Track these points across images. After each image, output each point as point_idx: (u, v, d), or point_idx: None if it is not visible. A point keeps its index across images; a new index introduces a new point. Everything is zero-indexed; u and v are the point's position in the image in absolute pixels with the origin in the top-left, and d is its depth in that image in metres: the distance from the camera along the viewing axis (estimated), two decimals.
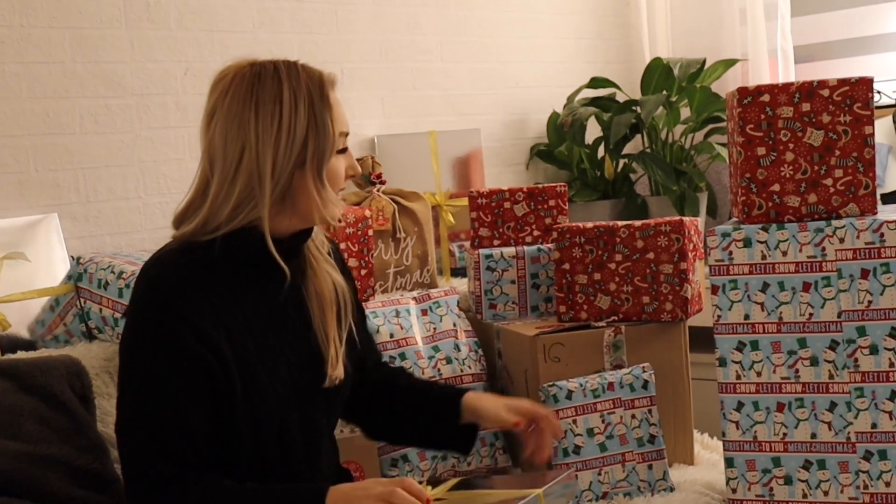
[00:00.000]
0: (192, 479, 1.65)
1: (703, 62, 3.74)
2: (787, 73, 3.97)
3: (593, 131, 3.83)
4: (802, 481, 2.14)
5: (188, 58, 2.90)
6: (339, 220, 1.84)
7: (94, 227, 2.71)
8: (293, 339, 1.81)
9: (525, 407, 1.96)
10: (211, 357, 1.67)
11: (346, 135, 1.79)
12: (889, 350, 2.07)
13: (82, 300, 2.38)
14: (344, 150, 1.79)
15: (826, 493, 2.13)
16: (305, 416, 1.80)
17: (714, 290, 2.17)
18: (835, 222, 2.09)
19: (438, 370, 2.56)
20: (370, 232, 2.74)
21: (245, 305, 1.75)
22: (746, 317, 2.15)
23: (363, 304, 2.55)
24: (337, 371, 1.83)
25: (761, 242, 2.13)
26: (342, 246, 2.63)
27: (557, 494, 1.72)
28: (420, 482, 1.72)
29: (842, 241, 2.08)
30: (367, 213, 2.78)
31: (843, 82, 2.10)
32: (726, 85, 3.84)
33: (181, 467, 1.65)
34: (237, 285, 1.75)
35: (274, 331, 1.78)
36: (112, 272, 2.35)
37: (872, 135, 2.11)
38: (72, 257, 2.48)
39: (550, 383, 2.37)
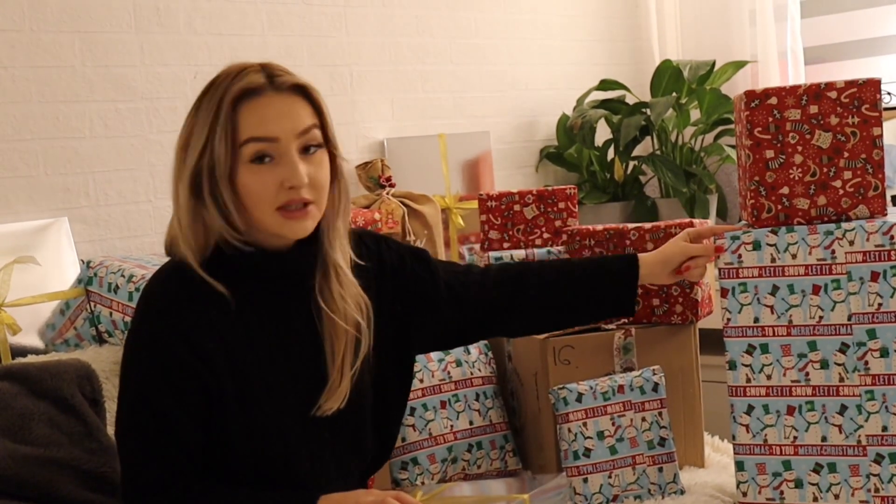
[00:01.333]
0: (185, 485, 1.67)
1: (713, 64, 3.73)
2: (797, 74, 3.96)
3: (603, 133, 3.83)
4: (813, 485, 2.14)
5: (198, 62, 2.91)
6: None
7: (104, 230, 2.71)
8: (301, 357, 1.78)
9: (680, 252, 2.13)
10: (202, 368, 1.68)
11: (272, 140, 1.67)
12: None
13: (92, 304, 2.39)
14: (261, 159, 1.67)
15: (837, 497, 2.12)
16: (311, 434, 1.79)
17: (724, 292, 2.16)
18: (844, 225, 2.08)
19: (448, 373, 2.56)
20: None
21: (246, 316, 1.73)
22: (756, 320, 2.15)
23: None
24: (332, 402, 1.77)
25: (771, 245, 2.13)
26: None
27: (546, 500, 1.72)
28: (416, 486, 1.73)
29: (851, 243, 2.08)
30: (377, 215, 2.78)
31: (850, 84, 2.10)
32: (736, 87, 3.84)
33: (174, 474, 1.67)
34: (236, 296, 1.73)
35: (280, 346, 1.76)
36: (122, 276, 2.36)
37: (881, 136, 2.10)
38: (82, 261, 2.49)
39: (560, 386, 2.36)
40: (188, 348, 1.67)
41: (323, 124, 1.74)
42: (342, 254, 1.80)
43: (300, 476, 1.76)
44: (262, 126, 1.66)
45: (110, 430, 2.13)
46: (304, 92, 1.73)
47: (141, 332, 1.71)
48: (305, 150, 1.71)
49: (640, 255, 2.13)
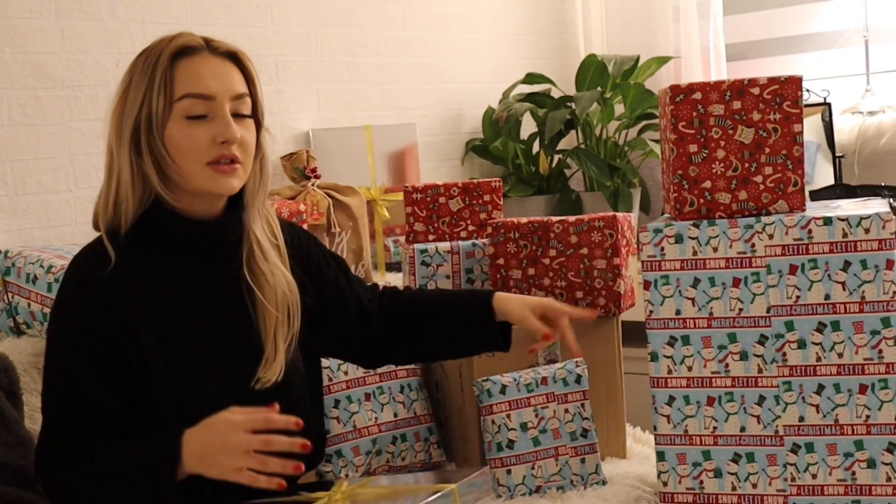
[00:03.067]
0: (83, 448, 1.66)
1: (637, 59, 3.77)
2: (720, 70, 4.02)
3: (528, 127, 3.85)
4: (732, 474, 2.17)
5: (119, 49, 2.86)
6: (230, 191, 1.76)
7: (22, 220, 2.66)
8: (230, 331, 1.79)
9: (548, 313, 2.03)
10: (123, 337, 1.68)
11: (207, 97, 1.71)
12: (816, 345, 2.10)
13: (10, 295, 2.34)
14: (199, 117, 1.70)
15: (755, 486, 2.16)
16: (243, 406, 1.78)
17: (646, 285, 2.19)
18: (764, 219, 2.12)
19: None
20: (305, 226, 2.73)
21: (174, 289, 1.74)
22: (678, 312, 2.17)
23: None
24: (269, 373, 1.79)
25: (692, 238, 2.15)
26: None
27: (471, 490, 1.73)
28: (340, 479, 1.73)
29: (771, 237, 2.11)
30: (302, 207, 2.77)
31: (773, 81, 2.13)
32: (660, 82, 3.88)
33: (79, 441, 1.66)
34: (164, 268, 1.74)
35: (207, 318, 1.76)
36: (41, 266, 2.32)
37: (801, 133, 2.14)
38: None
39: (484, 378, 2.37)
40: (109, 318, 1.68)
41: (253, 95, 1.78)
42: (262, 231, 1.82)
43: None
44: (199, 83, 1.70)
45: (28, 423, 2.09)
46: (237, 60, 1.77)
47: (62, 301, 1.72)
48: (237, 116, 1.74)
49: (500, 295, 2.05)
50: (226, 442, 1.57)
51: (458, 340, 2.06)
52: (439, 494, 1.64)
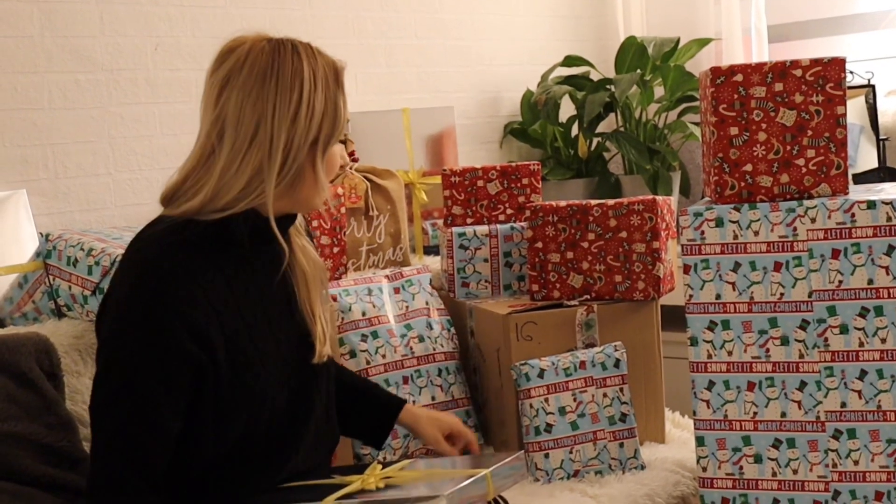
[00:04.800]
0: (143, 498, 1.63)
1: (678, 41, 3.73)
2: (761, 52, 3.97)
3: (567, 110, 3.83)
4: (772, 460, 2.15)
5: (158, 33, 2.87)
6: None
7: (63, 203, 2.68)
8: (281, 318, 1.79)
9: (460, 438, 2.09)
10: (199, 350, 1.63)
11: (348, 122, 1.80)
12: (859, 330, 2.08)
13: (51, 277, 2.36)
14: (343, 140, 1.79)
15: (795, 472, 2.14)
16: (296, 393, 1.78)
17: (686, 269, 2.17)
18: (806, 202, 2.09)
19: (411, 348, 2.55)
20: (343, 209, 2.73)
21: (236, 288, 1.72)
22: (718, 296, 2.16)
23: (335, 281, 2.54)
24: (326, 347, 1.83)
25: (733, 222, 2.13)
26: (314, 224, 2.62)
27: (505, 475, 1.72)
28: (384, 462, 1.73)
29: (813, 221, 2.09)
30: (340, 190, 2.77)
31: (815, 62, 2.10)
32: (700, 64, 3.84)
33: (144, 475, 1.63)
34: (229, 268, 1.71)
35: (263, 311, 1.76)
36: (81, 249, 2.33)
37: (845, 115, 2.11)
38: (40, 234, 2.46)
39: (522, 362, 2.37)
40: (187, 332, 1.62)
41: None
42: (301, 217, 1.88)
43: (279, 435, 1.76)
44: (348, 107, 1.78)
45: (69, 404, 2.11)
46: None
47: (135, 308, 1.63)
48: None
49: (411, 406, 2.11)
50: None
51: (348, 419, 2.04)
52: (472, 479, 1.63)
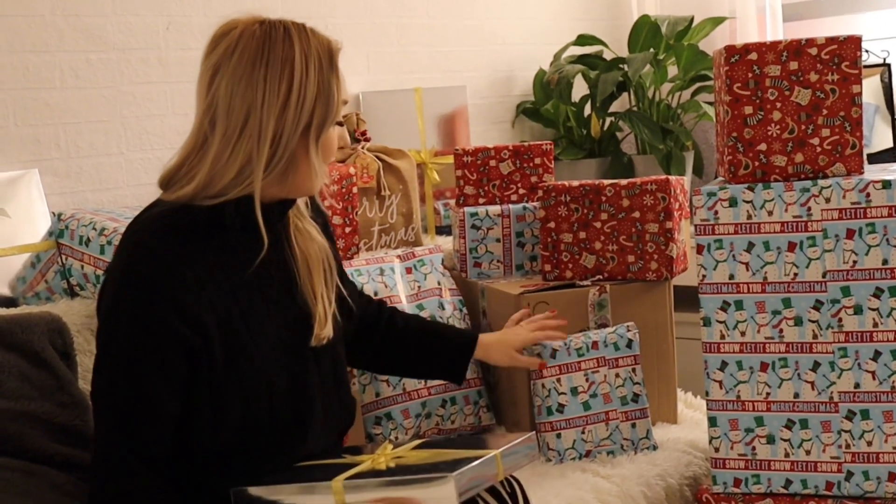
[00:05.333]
0: (143, 481, 1.65)
1: (691, 20, 3.71)
2: (776, 31, 3.95)
3: (580, 89, 3.81)
4: (785, 440, 2.15)
5: (170, 12, 2.86)
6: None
7: (75, 183, 2.68)
8: (278, 300, 1.79)
9: (527, 340, 2.28)
10: (191, 333, 1.64)
11: (346, 104, 1.77)
12: (873, 310, 2.07)
13: (63, 257, 2.36)
14: (341, 122, 1.77)
15: (808, 453, 2.13)
16: (295, 376, 1.78)
17: (699, 249, 2.16)
18: (821, 182, 2.08)
19: None
20: (354, 189, 2.73)
21: (229, 272, 1.72)
22: (731, 276, 2.15)
23: (347, 261, 2.54)
24: (325, 330, 1.81)
25: (747, 202, 2.12)
26: (326, 203, 2.62)
27: (515, 455, 1.72)
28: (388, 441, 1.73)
29: (828, 200, 2.08)
30: (352, 170, 2.76)
31: (831, 41, 2.08)
32: (714, 43, 3.82)
33: (146, 455, 1.65)
34: (222, 252, 1.72)
35: (258, 293, 1.76)
36: (94, 229, 2.33)
37: (860, 94, 2.09)
38: (53, 213, 2.46)
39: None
40: (178, 316, 1.63)
41: None
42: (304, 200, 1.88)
43: (284, 417, 1.76)
44: (346, 89, 1.75)
45: (82, 383, 2.11)
46: None
47: (126, 292, 1.64)
48: None
49: (481, 336, 2.24)
50: None
51: (426, 363, 2.20)
52: (481, 460, 1.63)
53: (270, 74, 1.66)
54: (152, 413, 1.65)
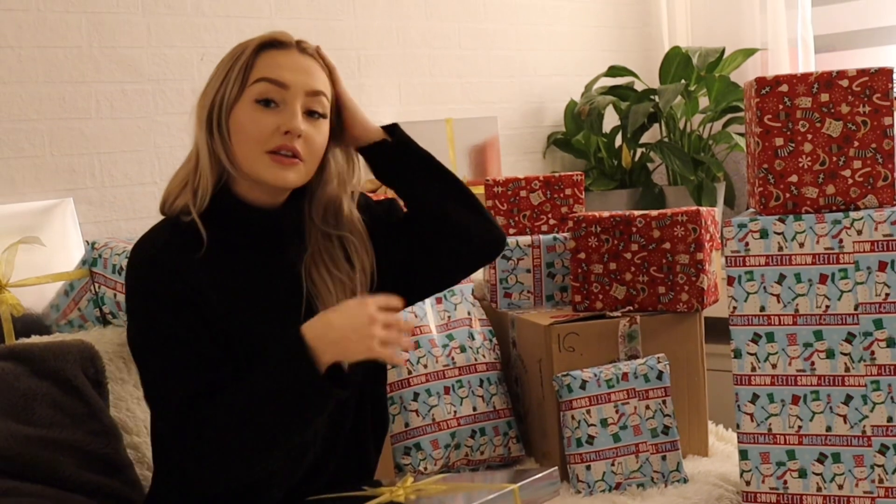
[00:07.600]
0: (209, 399, 1.63)
1: (723, 51, 3.71)
2: (808, 62, 3.94)
3: (611, 120, 3.82)
4: (817, 474, 2.13)
5: (204, 43, 2.89)
6: (291, 184, 1.73)
7: (109, 211, 2.71)
8: (281, 321, 1.74)
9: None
10: (198, 299, 1.67)
11: (281, 85, 1.69)
12: None
13: (97, 285, 2.38)
14: (268, 102, 1.69)
15: (841, 487, 2.11)
16: None
17: (730, 281, 2.15)
18: (853, 214, 2.07)
19: (452, 359, 2.55)
20: None
21: (231, 277, 1.72)
22: (762, 308, 2.14)
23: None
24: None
25: (778, 234, 2.11)
26: None
27: (537, 490, 1.71)
28: (416, 473, 1.71)
29: (859, 232, 2.07)
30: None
31: (862, 72, 2.08)
32: (745, 74, 3.82)
33: (198, 382, 1.64)
34: (225, 256, 1.72)
35: (260, 307, 1.73)
36: (127, 257, 2.35)
37: (892, 126, 2.09)
38: (86, 242, 2.48)
39: (564, 373, 2.36)
40: (182, 285, 1.66)
41: (332, 96, 1.78)
42: (354, 217, 1.83)
43: None
44: (276, 71, 1.71)
45: (113, 411, 2.13)
46: (325, 63, 1.78)
47: (134, 281, 1.70)
48: (310, 114, 1.73)
49: None
50: (357, 322, 1.59)
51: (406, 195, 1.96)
52: (499, 493, 1.62)
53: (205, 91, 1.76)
54: (197, 368, 1.64)
